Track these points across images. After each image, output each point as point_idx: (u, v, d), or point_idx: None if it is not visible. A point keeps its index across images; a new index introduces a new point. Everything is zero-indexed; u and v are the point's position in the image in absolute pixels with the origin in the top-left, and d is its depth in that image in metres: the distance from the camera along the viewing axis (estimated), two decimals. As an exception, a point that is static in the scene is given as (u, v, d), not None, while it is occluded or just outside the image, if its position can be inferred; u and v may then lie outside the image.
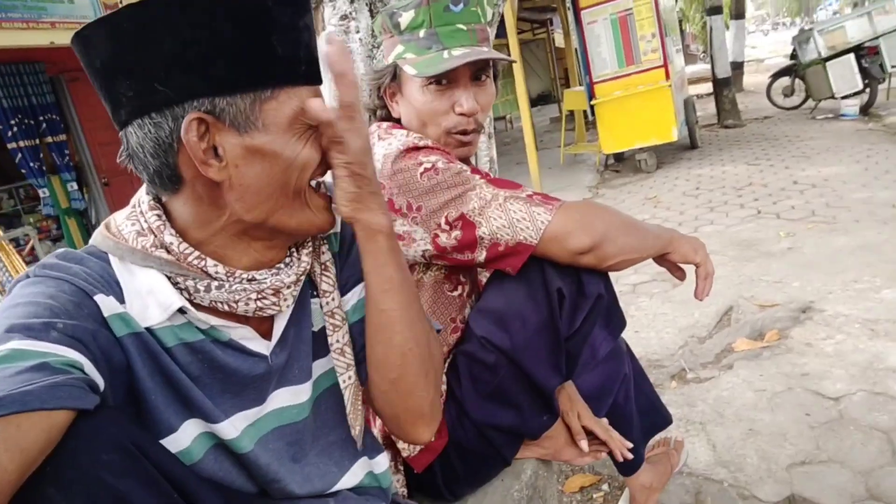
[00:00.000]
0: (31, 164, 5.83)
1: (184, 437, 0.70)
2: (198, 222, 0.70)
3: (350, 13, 1.59)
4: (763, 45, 25.95)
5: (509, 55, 6.40)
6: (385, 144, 1.11)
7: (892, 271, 2.66)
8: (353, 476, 0.88)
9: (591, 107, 6.09)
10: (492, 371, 1.08)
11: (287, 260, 0.77)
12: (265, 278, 0.72)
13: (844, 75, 6.90)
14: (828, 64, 7.02)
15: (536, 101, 14.63)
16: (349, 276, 0.87)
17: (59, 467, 0.54)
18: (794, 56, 7.85)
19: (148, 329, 0.68)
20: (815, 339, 2.22)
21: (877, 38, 6.75)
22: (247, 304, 0.71)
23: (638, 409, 1.45)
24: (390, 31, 1.17)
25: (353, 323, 0.86)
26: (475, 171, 1.10)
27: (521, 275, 1.07)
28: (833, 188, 4.19)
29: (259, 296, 0.72)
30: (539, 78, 15.45)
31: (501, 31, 6.19)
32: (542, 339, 1.06)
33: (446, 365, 1.16)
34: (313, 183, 0.74)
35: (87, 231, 6.49)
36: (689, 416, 1.91)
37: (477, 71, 1.15)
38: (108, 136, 6.57)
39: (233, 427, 0.73)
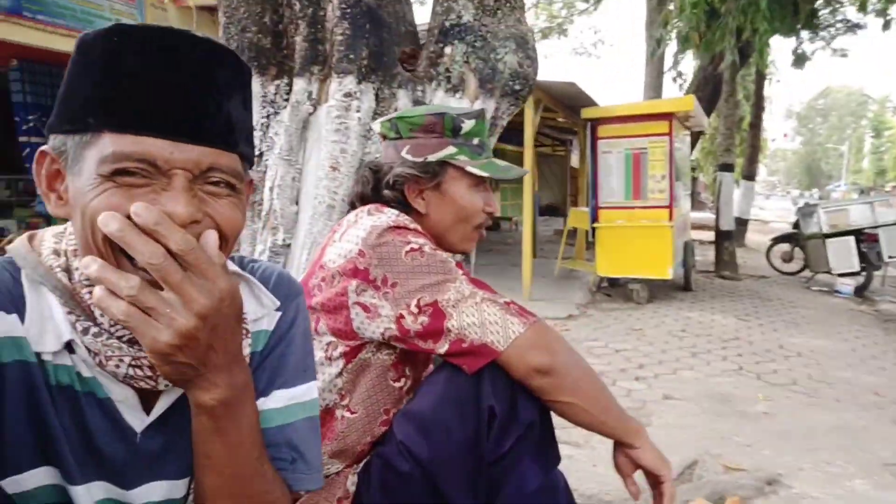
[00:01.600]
0: (35, 163, 5.84)
1: (28, 481, 0.62)
2: None
3: (355, 92, 1.61)
4: (769, 208, 26.90)
5: (523, 165, 6.62)
6: (374, 218, 1.11)
7: (868, 461, 2.54)
8: None
9: (593, 229, 6.17)
10: (404, 482, 0.98)
11: None
12: None
13: (843, 255, 7.03)
14: (828, 240, 7.18)
15: (545, 211, 14.98)
16: (263, 379, 0.76)
17: None
18: (796, 225, 8.06)
19: (39, 356, 0.61)
20: (779, 517, 2.07)
21: (877, 227, 6.94)
22: (117, 366, 0.62)
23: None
24: (441, 133, 1.20)
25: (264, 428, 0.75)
26: (459, 266, 1.09)
27: (453, 380, 1.01)
28: (818, 361, 4.12)
29: (134, 361, 0.62)
30: (551, 190, 15.90)
31: (520, 140, 6.40)
32: (464, 456, 0.98)
33: (360, 466, 1.05)
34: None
35: (71, 239, 6.42)
36: (631, 575, 1.73)
37: None
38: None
39: (89, 495, 0.64)
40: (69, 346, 0.63)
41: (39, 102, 5.76)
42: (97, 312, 0.63)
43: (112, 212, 0.55)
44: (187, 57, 0.60)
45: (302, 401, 0.78)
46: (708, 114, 9.26)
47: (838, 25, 11.34)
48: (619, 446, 1.11)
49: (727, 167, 8.24)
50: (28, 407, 0.61)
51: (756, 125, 12.02)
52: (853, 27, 11.23)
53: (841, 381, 3.69)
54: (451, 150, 1.19)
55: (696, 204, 17.65)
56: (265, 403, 0.75)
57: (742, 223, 11.36)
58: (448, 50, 1.70)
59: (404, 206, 1.20)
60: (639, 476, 1.14)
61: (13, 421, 0.60)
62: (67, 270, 0.64)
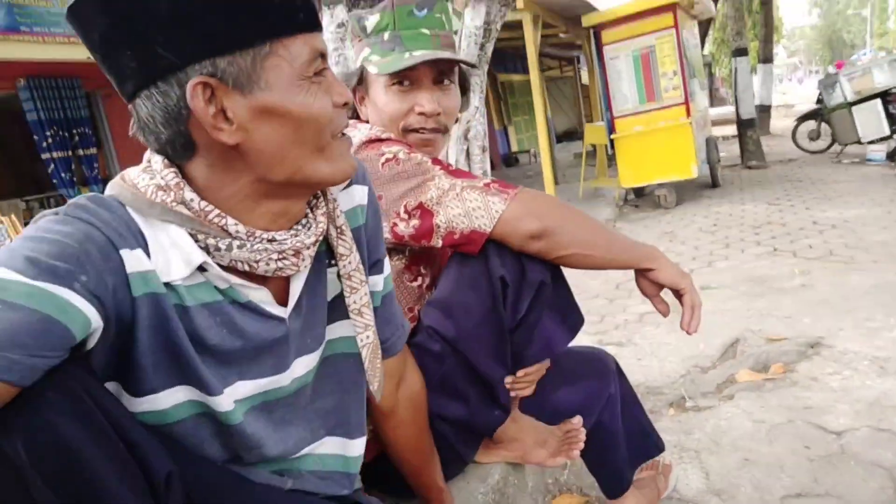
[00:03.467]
0: (63, 175, 6.03)
1: (164, 400, 0.69)
2: (214, 186, 0.69)
3: (346, 21, 1.65)
4: (794, 92, 25.96)
5: (531, 91, 6.40)
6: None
7: (907, 311, 2.59)
8: (322, 447, 0.87)
9: (612, 141, 6.11)
10: (438, 361, 1.08)
11: (304, 221, 0.76)
12: (285, 239, 0.71)
13: (871, 121, 6.84)
14: (854, 109, 6.97)
15: (562, 137, 14.72)
16: (373, 253, 0.90)
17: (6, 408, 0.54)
18: (820, 100, 7.81)
19: (168, 285, 0.67)
20: (822, 374, 2.16)
21: (904, 84, 6.70)
22: (267, 265, 0.71)
23: (626, 433, 1.41)
24: (359, 34, 1.20)
25: (377, 306, 0.90)
26: (436, 161, 1.12)
27: (465, 263, 1.08)
28: (853, 229, 4.11)
29: (280, 256, 0.71)
30: (566, 114, 15.57)
31: (526, 66, 6.29)
32: (486, 328, 1.07)
33: None
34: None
35: (110, 242, 6.65)
36: (685, 443, 1.86)
37: (439, 75, 1.18)
38: (139, 151, 6.79)
39: (230, 399, 0.72)
40: (200, 268, 0.68)
41: (53, 117, 5.84)
42: (232, 228, 0.68)
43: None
44: None
45: (390, 269, 0.95)
46: (715, 0, 8.90)
47: None
48: (639, 272, 1.14)
49: (741, 52, 7.96)
50: (160, 334, 0.66)
51: (767, 2, 11.48)
52: None
53: (877, 244, 3.69)
54: (365, 51, 1.18)
55: (716, 100, 17.09)
56: (386, 270, 0.92)
57: (765, 110, 11.03)
58: None
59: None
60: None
61: (146, 348, 0.65)
62: (183, 202, 0.67)
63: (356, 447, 0.90)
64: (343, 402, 0.88)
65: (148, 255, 0.66)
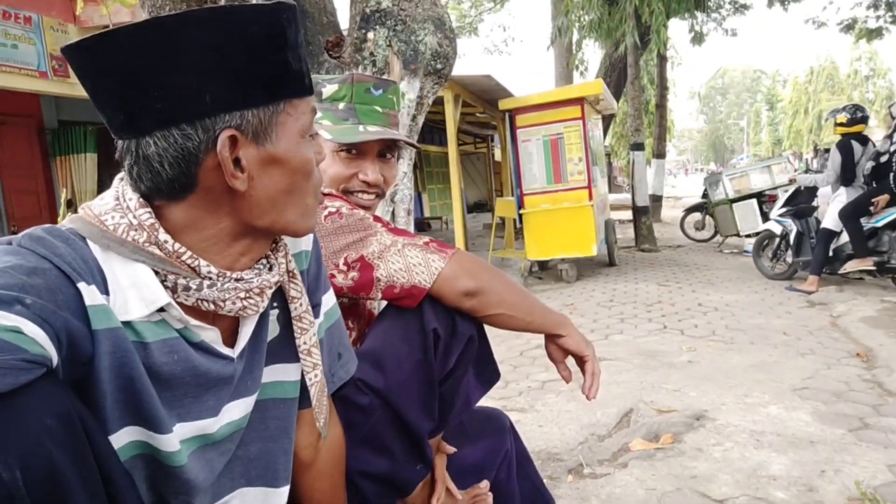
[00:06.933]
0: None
1: (115, 442, 0.67)
2: (191, 227, 0.70)
3: None
4: (681, 185, 28.51)
5: (449, 162, 6.69)
6: None
7: (779, 389, 2.83)
8: (242, 499, 0.84)
9: (520, 216, 6.40)
10: (365, 414, 1.07)
11: (263, 262, 0.79)
12: (252, 278, 0.74)
13: (748, 216, 7.61)
14: (734, 205, 7.74)
15: (473, 208, 15.25)
16: (312, 297, 0.90)
17: (2, 423, 0.52)
18: (705, 195, 8.62)
19: (126, 323, 0.65)
20: (707, 444, 2.29)
21: (775, 188, 7.55)
22: (233, 304, 0.72)
23: (521, 491, 1.43)
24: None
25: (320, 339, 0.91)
26: (377, 219, 1.16)
27: (399, 315, 1.10)
28: (733, 313, 4.48)
29: (246, 295, 0.73)
30: (478, 187, 16.20)
31: (443, 140, 6.56)
32: (417, 380, 1.08)
33: None
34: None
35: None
36: (582, 510, 1.89)
37: (384, 149, 1.28)
38: (27, 184, 6.32)
39: (176, 439, 0.70)
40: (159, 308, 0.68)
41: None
42: (204, 270, 0.69)
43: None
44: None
45: (334, 301, 0.97)
46: (616, 99, 9.74)
47: (728, 7, 12.34)
48: (549, 337, 1.22)
49: (638, 146, 8.70)
50: (121, 371, 0.65)
51: (662, 105, 12.71)
52: (741, 7, 12.22)
53: (754, 327, 4.05)
54: (318, 114, 1.22)
55: (613, 187, 18.44)
56: (321, 317, 0.92)
57: (657, 199, 11.99)
58: (371, 35, 1.80)
59: None
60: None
61: (106, 385, 0.64)
62: (156, 243, 0.67)
63: (280, 496, 0.87)
64: (267, 449, 0.86)
65: (105, 291, 0.65)
